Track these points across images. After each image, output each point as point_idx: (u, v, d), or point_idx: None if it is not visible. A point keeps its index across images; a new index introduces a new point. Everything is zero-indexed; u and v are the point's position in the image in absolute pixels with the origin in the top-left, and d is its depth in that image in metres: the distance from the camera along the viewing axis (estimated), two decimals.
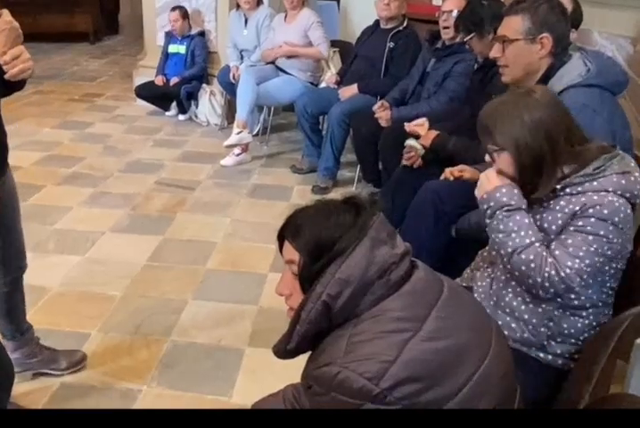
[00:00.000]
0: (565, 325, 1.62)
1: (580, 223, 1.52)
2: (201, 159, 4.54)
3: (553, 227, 1.56)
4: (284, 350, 1.26)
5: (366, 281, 1.17)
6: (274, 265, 3.04)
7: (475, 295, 1.77)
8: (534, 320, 1.63)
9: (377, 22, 4.15)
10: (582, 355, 1.59)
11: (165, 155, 4.57)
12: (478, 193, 1.66)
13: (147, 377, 2.29)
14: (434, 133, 2.95)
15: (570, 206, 1.54)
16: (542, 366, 1.64)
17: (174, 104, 5.40)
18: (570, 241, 1.52)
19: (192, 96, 5.29)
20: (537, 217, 1.60)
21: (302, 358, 1.29)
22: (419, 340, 1.13)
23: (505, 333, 1.65)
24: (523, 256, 1.54)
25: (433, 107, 3.45)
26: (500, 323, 1.66)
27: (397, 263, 1.20)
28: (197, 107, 5.33)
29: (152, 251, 3.21)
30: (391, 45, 3.99)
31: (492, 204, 1.60)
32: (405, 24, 4.03)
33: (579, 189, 1.54)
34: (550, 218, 1.57)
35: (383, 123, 3.59)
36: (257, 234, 3.40)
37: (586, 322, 1.62)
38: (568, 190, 1.55)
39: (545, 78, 2.07)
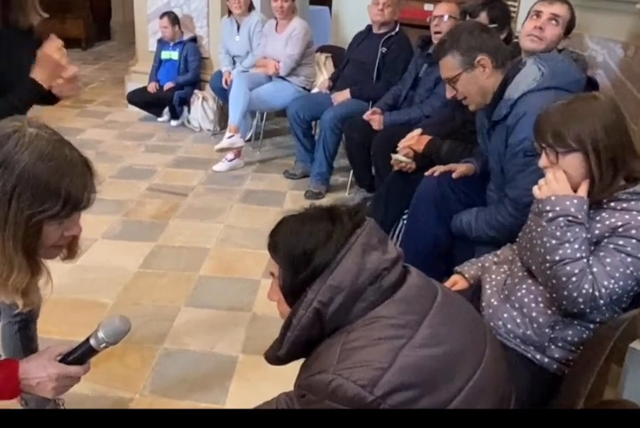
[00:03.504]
0: (570, 333, 1.62)
1: (621, 242, 1.52)
2: (194, 164, 4.53)
3: (588, 236, 1.56)
4: (275, 356, 1.26)
5: (358, 287, 1.17)
6: (267, 271, 3.01)
7: (487, 287, 1.79)
8: (540, 320, 1.64)
9: (369, 27, 4.15)
10: (577, 359, 1.59)
11: (157, 161, 4.56)
12: (543, 191, 1.61)
13: (139, 385, 2.28)
14: (427, 138, 2.95)
15: (612, 220, 1.54)
16: (536, 369, 1.64)
17: (166, 110, 5.39)
18: (608, 260, 1.52)
19: (185, 102, 5.28)
20: None
21: (297, 365, 1.28)
22: (413, 346, 1.12)
23: (508, 327, 1.67)
24: (568, 268, 1.53)
25: (425, 112, 3.46)
26: (505, 315, 1.69)
27: (388, 269, 1.20)
28: (189, 113, 5.32)
29: (145, 257, 3.20)
30: (383, 50, 3.99)
31: (557, 209, 1.56)
32: (397, 29, 4.04)
33: (624, 205, 1.54)
34: (588, 227, 1.57)
35: (375, 126, 3.60)
36: (250, 239, 3.39)
37: (592, 334, 1.61)
38: (612, 204, 1.56)
39: (503, 87, 2.14)
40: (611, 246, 1.53)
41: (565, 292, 1.54)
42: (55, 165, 1.15)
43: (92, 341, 1.30)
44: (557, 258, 1.54)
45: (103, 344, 1.30)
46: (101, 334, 1.29)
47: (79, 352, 1.31)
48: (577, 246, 1.53)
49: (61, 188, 1.14)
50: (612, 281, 1.51)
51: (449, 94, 2.27)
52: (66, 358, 1.31)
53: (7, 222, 1.11)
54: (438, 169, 2.56)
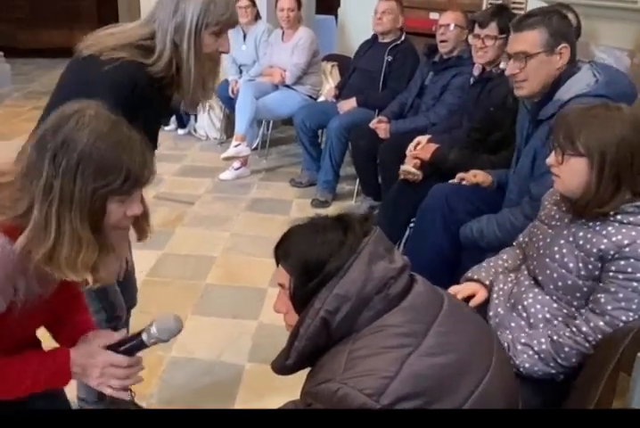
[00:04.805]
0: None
1: (630, 269, 1.50)
2: (201, 173, 4.55)
3: (594, 250, 1.54)
4: (283, 366, 1.26)
5: (365, 296, 1.16)
6: (274, 279, 3.02)
7: (494, 296, 1.78)
8: (547, 329, 1.62)
9: (375, 36, 4.17)
10: (585, 368, 1.58)
11: (164, 169, 4.57)
12: None
13: (146, 393, 2.27)
14: (433, 146, 2.96)
15: (619, 236, 1.52)
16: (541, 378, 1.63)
17: (173, 119, 5.41)
18: (621, 295, 1.51)
19: None
20: (581, 234, 1.58)
21: (303, 374, 1.28)
22: (419, 355, 1.12)
23: (515, 335, 1.65)
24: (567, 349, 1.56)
25: (432, 120, 3.47)
26: (512, 325, 1.67)
27: (395, 277, 1.20)
28: (196, 121, 5.34)
29: (152, 265, 3.20)
30: (389, 58, 4.00)
31: None
32: (402, 38, 4.05)
33: (631, 219, 1.53)
34: (594, 240, 1.55)
35: (382, 134, 3.61)
36: (256, 248, 3.39)
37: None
38: (619, 217, 1.54)
39: (555, 88, 2.08)
40: (621, 276, 1.51)
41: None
42: (115, 142, 1.19)
43: (144, 336, 1.33)
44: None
45: (154, 340, 1.33)
46: (153, 330, 1.32)
47: (129, 345, 1.35)
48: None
49: (122, 163, 1.18)
50: (631, 314, 1.50)
51: (510, 70, 2.13)
52: (115, 348, 1.34)
53: (73, 197, 1.16)
54: (466, 176, 2.53)
